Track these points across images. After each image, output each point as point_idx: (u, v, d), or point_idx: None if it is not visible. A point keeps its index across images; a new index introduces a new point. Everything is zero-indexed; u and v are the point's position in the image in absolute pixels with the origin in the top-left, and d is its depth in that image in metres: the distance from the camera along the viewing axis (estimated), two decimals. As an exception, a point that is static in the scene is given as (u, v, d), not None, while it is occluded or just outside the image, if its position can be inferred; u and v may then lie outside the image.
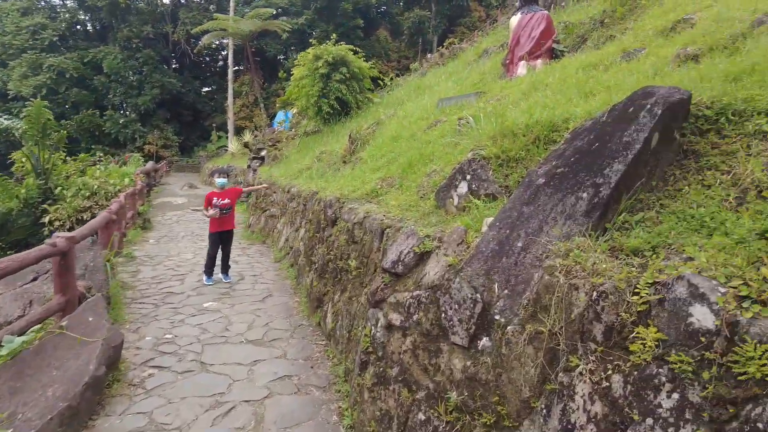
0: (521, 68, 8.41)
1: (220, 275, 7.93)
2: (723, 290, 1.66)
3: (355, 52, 15.71)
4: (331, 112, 15.03)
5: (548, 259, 2.44)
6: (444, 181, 4.60)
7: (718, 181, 2.59)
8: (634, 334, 1.83)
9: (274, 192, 12.05)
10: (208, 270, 7.72)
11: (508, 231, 2.82)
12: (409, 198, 5.35)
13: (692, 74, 3.88)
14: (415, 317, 3.08)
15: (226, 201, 7.74)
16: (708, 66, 4.17)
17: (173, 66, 50.93)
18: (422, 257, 3.35)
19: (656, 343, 1.75)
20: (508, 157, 4.26)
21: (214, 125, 47.67)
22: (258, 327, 5.68)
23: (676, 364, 1.65)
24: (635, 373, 1.77)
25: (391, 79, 20.68)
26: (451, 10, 50.30)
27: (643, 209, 2.62)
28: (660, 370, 1.69)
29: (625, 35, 7.97)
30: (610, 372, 1.86)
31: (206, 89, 54.70)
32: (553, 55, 8.95)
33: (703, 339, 1.61)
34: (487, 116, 5.48)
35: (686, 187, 2.66)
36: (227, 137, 38.69)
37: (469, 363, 2.57)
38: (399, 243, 3.68)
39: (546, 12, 9.38)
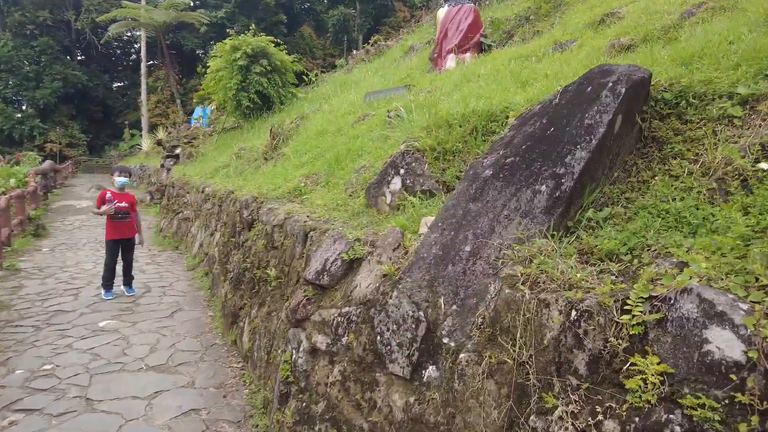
0: (450, 61, 8.11)
1: (123, 288, 6.94)
2: (745, 307, 1.26)
3: (277, 44, 14.86)
4: (252, 106, 14.09)
5: (506, 266, 1.98)
6: (375, 177, 4.10)
7: (686, 170, 2.27)
8: (629, 366, 1.40)
9: (188, 192, 11.00)
10: (107, 282, 6.70)
11: (452, 233, 2.35)
12: (336, 196, 4.80)
13: (637, 60, 3.64)
14: (344, 340, 2.53)
15: (124, 205, 6.75)
16: (646, 55, 3.98)
17: (78, 57, 46.70)
18: (352, 266, 2.81)
19: (660, 378, 1.32)
20: (444, 149, 3.83)
21: (126, 123, 44.28)
22: (162, 349, 4.87)
23: (695, 410, 1.22)
24: (636, 419, 1.33)
25: (316, 75, 19.96)
26: (376, 9, 50.19)
27: (607, 204, 2.25)
28: (671, 416, 1.27)
29: (553, 29, 7.90)
30: (600, 417, 1.42)
31: (118, 84, 50.71)
32: (482, 49, 8.76)
33: (732, 375, 1.20)
34: (420, 107, 5.05)
35: (652, 179, 2.32)
36: (141, 135, 35.99)
37: (412, 399, 2.06)
38: (324, 249, 3.12)
39: (473, 5, 9.18)
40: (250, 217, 5.51)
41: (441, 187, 3.57)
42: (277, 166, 7.84)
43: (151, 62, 42.99)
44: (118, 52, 52.13)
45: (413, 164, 3.66)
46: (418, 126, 4.37)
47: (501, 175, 2.39)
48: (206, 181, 10.28)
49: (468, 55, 8.10)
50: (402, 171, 3.70)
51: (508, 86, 4.62)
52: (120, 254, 6.83)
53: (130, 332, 5.31)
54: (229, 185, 8.13)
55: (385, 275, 2.47)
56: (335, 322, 2.62)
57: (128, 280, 6.98)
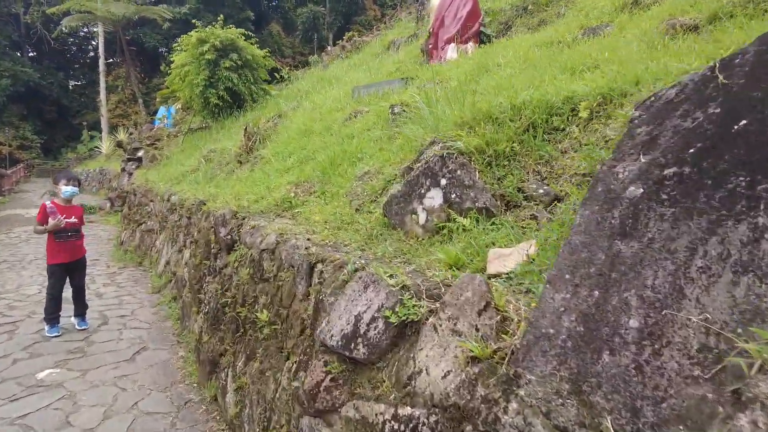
0: (451, 51, 7.23)
1: (73, 320, 5.76)
2: None
3: (247, 38, 13.71)
4: (221, 104, 12.92)
5: (738, 376, 1.07)
6: (397, 187, 3.14)
7: None
8: None
9: (152, 201, 9.78)
10: (51, 316, 5.51)
11: (596, 292, 1.43)
12: (339, 210, 3.83)
13: (736, 39, 2.81)
14: (409, 464, 1.57)
15: (74, 220, 5.58)
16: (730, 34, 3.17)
17: (29, 54, 43.96)
18: (404, 332, 1.85)
19: None
20: (495, 152, 2.91)
21: (85, 124, 41.91)
22: (121, 412, 3.78)
23: None
24: None
25: (288, 72, 18.82)
26: (346, 7, 49.16)
27: None
28: None
29: (563, 17, 7.11)
30: None
31: (75, 83, 48.03)
32: (480, 39, 7.91)
33: None
34: (446, 99, 4.11)
35: None
36: (101, 137, 33.92)
37: None
38: (351, 298, 2.15)
39: (471, -8, 8.31)
40: (228, 236, 4.47)
41: (500, 203, 2.65)
42: (255, 170, 6.80)
43: (111, 60, 40.74)
44: (74, 48, 49.45)
45: (458, 172, 2.73)
46: (448, 122, 3.44)
47: (665, 197, 1.48)
48: (172, 187, 9.10)
49: (471, 44, 7.23)
50: (443, 181, 2.76)
51: (555, 74, 3.73)
52: (68, 280, 5.65)
53: (78, 387, 4.19)
54: (199, 193, 7.03)
55: (474, 358, 1.53)
56: (388, 430, 1.65)
57: (80, 310, 5.80)
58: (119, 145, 19.18)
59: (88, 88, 45.61)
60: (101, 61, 34.02)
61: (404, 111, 4.97)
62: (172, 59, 13.96)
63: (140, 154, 15.18)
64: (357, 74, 11.19)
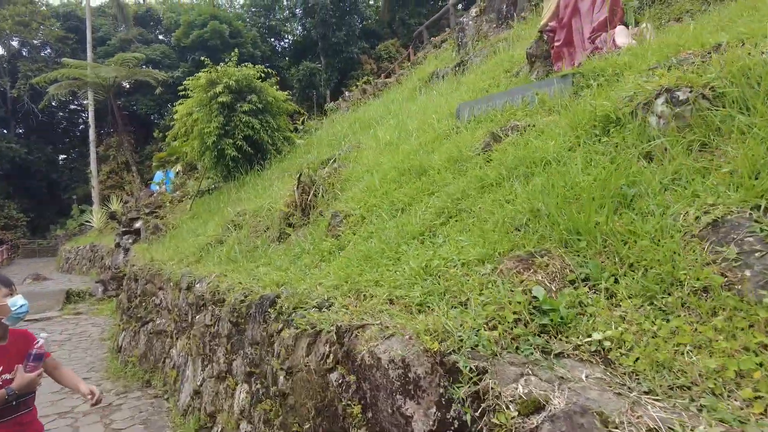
0: (622, 36, 4.81)
1: None
2: None
3: (265, 77, 11.47)
4: (239, 157, 10.45)
5: None
6: None
7: None
8: None
9: (160, 288, 7.04)
10: None
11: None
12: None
13: None
14: None
15: (8, 377, 2.77)
16: None
17: (17, 130, 42.12)
18: None
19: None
20: None
21: (75, 198, 39.51)
22: None
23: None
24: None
25: (303, 121, 16.62)
26: (342, 62, 48.45)
27: None
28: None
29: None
30: None
31: (64, 157, 46.06)
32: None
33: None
34: None
35: None
36: (93, 210, 31.36)
37: None
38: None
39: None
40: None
41: None
42: (340, 237, 4.17)
43: (102, 130, 38.95)
44: (64, 123, 47.83)
45: None
46: None
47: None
48: (190, 268, 6.41)
49: (648, 25, 4.85)
50: None
51: None
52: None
53: None
54: (249, 279, 4.37)
55: None
56: None
57: None
58: (112, 216, 16.58)
59: (78, 161, 43.57)
60: (92, 131, 32.03)
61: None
62: (170, 124, 11.61)
63: (138, 225, 12.55)
64: (412, 107, 8.82)
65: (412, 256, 2.90)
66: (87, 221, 31.40)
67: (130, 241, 12.55)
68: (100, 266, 17.47)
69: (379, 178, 4.73)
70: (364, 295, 2.71)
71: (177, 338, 5.85)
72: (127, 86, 37.84)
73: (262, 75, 11.05)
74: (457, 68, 11.51)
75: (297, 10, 47.08)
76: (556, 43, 5.79)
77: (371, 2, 48.45)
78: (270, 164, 10.63)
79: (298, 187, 5.92)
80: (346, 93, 20.47)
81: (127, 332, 7.63)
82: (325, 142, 10.24)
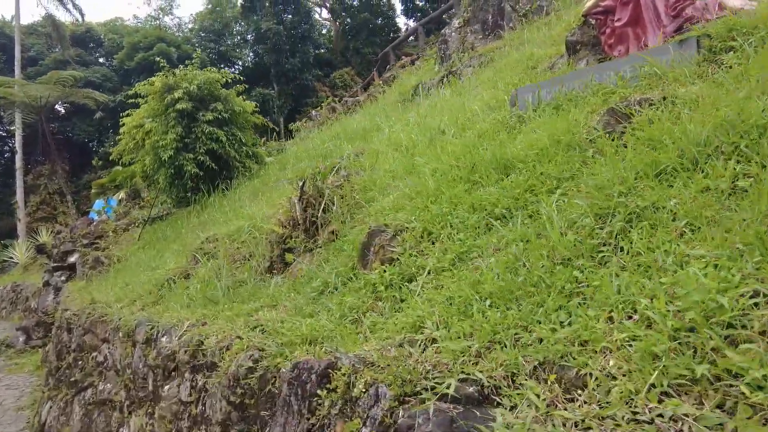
0: (734, -2, 3.79)
1: None
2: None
3: (229, 85, 9.98)
4: (201, 174, 8.81)
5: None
6: None
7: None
8: None
9: (105, 340, 5.24)
10: None
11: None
12: None
13: None
14: None
15: None
16: None
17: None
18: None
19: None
20: None
21: (-4, 233, 35.42)
22: None
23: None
24: None
25: (264, 142, 15.07)
26: (296, 89, 47.36)
27: None
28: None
29: None
30: None
31: (-15, 189, 41.53)
32: None
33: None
34: None
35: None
36: (17, 244, 27.87)
37: None
38: None
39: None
40: None
41: None
42: (425, 274, 2.76)
43: (31, 158, 35.38)
44: (-14, 151, 43.43)
45: None
46: None
47: None
48: (148, 312, 4.75)
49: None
50: None
51: None
52: None
53: None
54: (242, 331, 2.87)
55: None
56: None
57: None
58: (41, 250, 14.25)
59: (2, 191, 39.41)
60: (18, 158, 28.79)
61: None
62: (111, 150, 9.88)
63: (73, 259, 10.46)
64: (409, 116, 7.59)
65: (605, 291, 1.56)
66: (10, 257, 27.86)
67: (63, 278, 10.44)
68: (24, 309, 14.89)
69: (433, 180, 3.37)
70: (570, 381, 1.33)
71: (130, 413, 4.12)
72: (63, 110, 34.82)
73: (228, 81, 9.56)
74: (444, 80, 10.54)
75: (249, 36, 45.81)
76: (617, 23, 4.76)
77: (323, 31, 47.93)
78: (238, 183, 9.04)
79: (300, 200, 4.46)
80: (313, 112, 19.24)
81: (54, 402, 5.64)
82: (304, 157, 8.81)
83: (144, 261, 7.33)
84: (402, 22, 40.29)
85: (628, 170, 2.28)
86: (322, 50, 45.97)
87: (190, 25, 47.45)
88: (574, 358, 1.38)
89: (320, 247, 4.17)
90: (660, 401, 1.16)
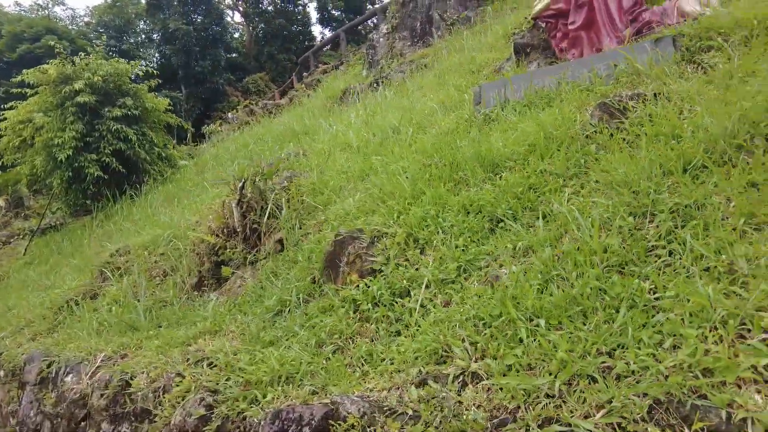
0: (692, 3, 3.81)
1: None
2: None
3: (143, 78, 8.96)
4: (105, 179, 7.73)
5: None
6: None
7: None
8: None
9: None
10: None
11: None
12: None
13: None
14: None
15: None
16: None
17: None
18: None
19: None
20: None
21: None
22: None
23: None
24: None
25: (174, 145, 13.84)
26: (206, 93, 45.01)
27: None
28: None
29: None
30: None
31: None
32: None
33: None
34: None
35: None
36: None
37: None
38: None
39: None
40: None
41: None
42: (422, 289, 2.32)
43: None
44: None
45: None
46: None
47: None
48: (42, 343, 3.86)
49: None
50: None
51: None
52: None
53: None
54: (180, 366, 2.27)
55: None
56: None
57: None
58: None
59: None
60: None
61: None
62: (2, 117, 8.44)
63: (-64, 278, 8.69)
64: (352, 119, 7.17)
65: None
66: None
67: None
68: None
69: (408, 179, 2.97)
70: None
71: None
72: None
73: (140, 75, 8.53)
74: (375, 84, 10.28)
75: (155, 35, 42.90)
76: (571, 27, 4.70)
77: (236, 35, 46.22)
78: (149, 188, 8.03)
79: (239, 205, 3.85)
80: (229, 115, 18.17)
81: None
82: (226, 160, 8.04)
83: (33, 279, 6.17)
84: (318, 30, 39.97)
85: (650, 166, 2.03)
86: (235, 54, 44.28)
87: (86, 19, 43.56)
88: (713, 395, 1.04)
89: (265, 258, 3.60)
90: None
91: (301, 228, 3.62)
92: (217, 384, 2.06)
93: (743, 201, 1.68)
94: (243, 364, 2.12)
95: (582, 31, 4.62)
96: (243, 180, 3.89)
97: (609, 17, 4.48)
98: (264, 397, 1.81)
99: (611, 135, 2.48)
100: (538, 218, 2.11)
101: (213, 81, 40.61)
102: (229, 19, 42.56)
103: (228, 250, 3.91)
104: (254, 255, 3.73)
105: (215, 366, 2.24)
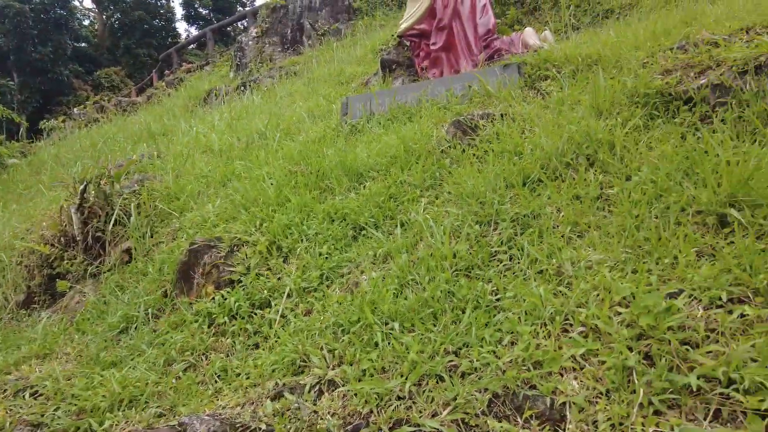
0: (533, 37, 4.27)
1: None
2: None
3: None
4: None
5: None
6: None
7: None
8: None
9: None
10: None
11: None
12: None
13: None
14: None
15: None
16: None
17: None
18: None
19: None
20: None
21: None
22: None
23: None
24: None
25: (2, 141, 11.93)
26: (46, 84, 39.61)
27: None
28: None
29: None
30: None
31: None
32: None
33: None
34: None
35: None
36: None
37: None
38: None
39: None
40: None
41: None
42: (284, 299, 2.25)
43: None
44: None
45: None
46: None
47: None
48: None
49: (549, 32, 4.43)
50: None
51: None
52: None
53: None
54: None
55: None
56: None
57: None
58: None
59: None
60: None
61: None
62: None
63: None
64: (215, 116, 6.83)
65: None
66: None
67: None
68: None
69: (273, 185, 2.89)
70: None
71: None
72: None
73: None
74: (243, 87, 9.95)
75: (-23, 9, 36.88)
76: (433, 47, 5.01)
77: (86, 23, 41.60)
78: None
79: (79, 210, 3.41)
80: (75, 110, 16.17)
81: None
82: (69, 160, 7.14)
83: None
84: (183, 27, 37.78)
85: (495, 179, 2.24)
86: (84, 44, 39.83)
87: None
88: (540, 385, 1.15)
89: (109, 270, 3.24)
90: (657, 423, 1.00)
91: (153, 236, 3.34)
92: (42, 416, 1.78)
93: (570, 211, 1.92)
94: (78, 389, 1.87)
95: (442, 52, 4.95)
96: (85, 182, 3.46)
97: (466, 42, 4.87)
98: (101, 425, 1.61)
99: (463, 150, 2.68)
100: (397, 226, 2.19)
101: (56, 71, 35.97)
102: (77, 3, 38.21)
103: (65, 261, 3.45)
104: (97, 267, 3.33)
105: (41, 395, 1.94)
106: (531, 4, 6.25)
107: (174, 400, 1.68)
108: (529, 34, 4.30)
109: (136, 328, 2.45)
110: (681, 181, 1.83)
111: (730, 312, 1.25)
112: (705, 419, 1.01)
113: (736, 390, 1.02)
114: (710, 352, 1.13)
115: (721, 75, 2.28)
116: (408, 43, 5.47)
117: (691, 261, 1.48)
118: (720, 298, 1.30)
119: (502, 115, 2.94)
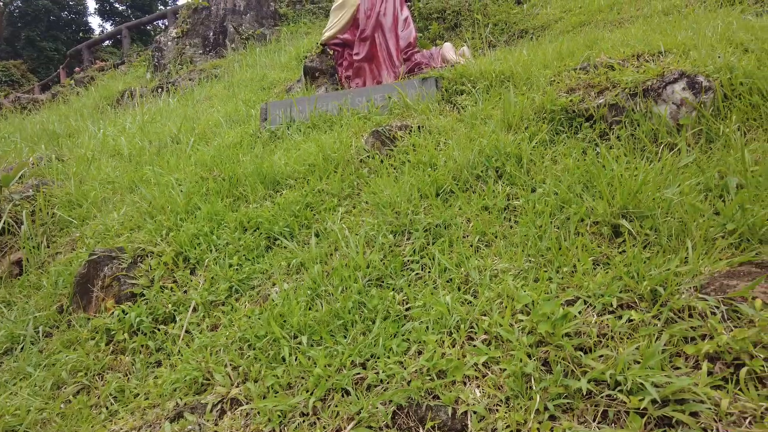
0: (451, 52, 4.40)
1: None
2: None
3: None
4: None
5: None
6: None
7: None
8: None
9: None
10: None
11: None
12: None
13: None
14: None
15: None
16: None
17: None
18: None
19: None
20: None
21: None
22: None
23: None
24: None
25: None
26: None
27: None
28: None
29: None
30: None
31: None
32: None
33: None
34: None
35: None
36: None
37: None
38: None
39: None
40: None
41: None
42: (190, 312, 2.10)
43: None
44: None
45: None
46: None
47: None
48: None
49: (467, 48, 4.58)
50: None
51: None
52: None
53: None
54: None
55: None
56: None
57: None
58: None
59: None
60: None
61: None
62: None
63: None
64: (124, 119, 6.44)
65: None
66: None
67: None
68: None
69: (182, 192, 2.74)
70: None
71: None
72: None
73: None
74: (161, 89, 9.49)
75: None
76: (356, 57, 5.05)
77: (-19, 10, 37.99)
78: None
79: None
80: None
81: None
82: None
83: None
84: (97, 22, 35.59)
85: (410, 190, 2.27)
86: (-22, 33, 36.28)
87: None
88: (443, 395, 1.16)
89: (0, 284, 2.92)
90: (551, 428, 1.04)
91: (49, 247, 3.06)
92: None
93: (478, 222, 1.98)
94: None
95: (365, 63, 4.99)
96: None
97: (388, 54, 4.94)
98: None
99: (381, 161, 2.70)
100: (312, 236, 2.15)
101: (-62, 61, 32.45)
102: (-31, -13, 34.98)
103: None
104: None
105: None
106: (452, 21, 6.46)
107: (60, 427, 1.52)
108: (448, 49, 4.44)
109: (22, 348, 2.22)
110: (581, 193, 1.95)
111: (620, 317, 1.34)
112: (594, 420, 1.07)
113: (620, 391, 1.09)
114: (601, 356, 1.20)
115: (616, 96, 2.47)
116: (332, 52, 5.46)
117: (588, 269, 1.57)
118: (611, 305, 1.39)
119: (419, 128, 3.00)
